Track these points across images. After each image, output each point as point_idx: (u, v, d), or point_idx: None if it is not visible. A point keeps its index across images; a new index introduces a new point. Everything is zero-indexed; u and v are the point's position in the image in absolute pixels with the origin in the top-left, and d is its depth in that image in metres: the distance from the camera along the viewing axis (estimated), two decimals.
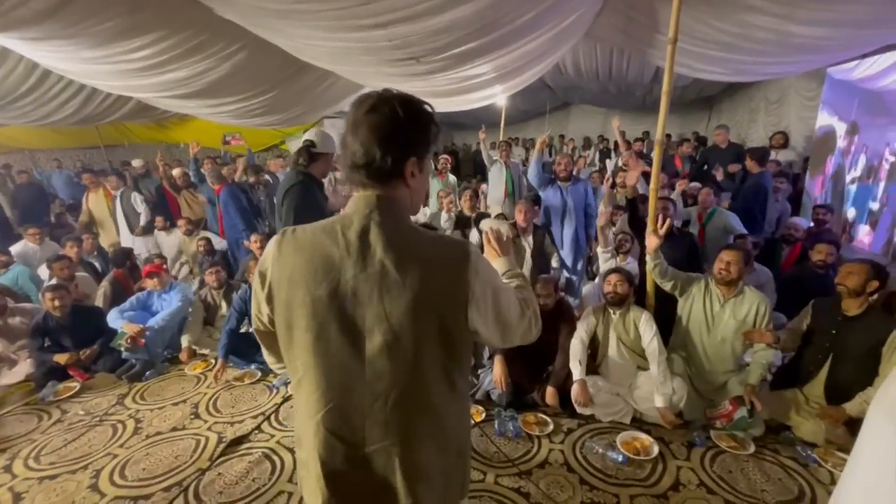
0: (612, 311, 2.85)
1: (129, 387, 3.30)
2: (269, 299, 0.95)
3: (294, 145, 9.46)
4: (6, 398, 3.19)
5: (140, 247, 5.29)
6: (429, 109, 0.95)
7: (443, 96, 5.35)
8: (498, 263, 1.18)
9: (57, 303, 3.33)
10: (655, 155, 2.59)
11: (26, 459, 2.54)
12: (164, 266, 4.03)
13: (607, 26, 4.85)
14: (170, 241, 5.26)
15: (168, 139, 8.91)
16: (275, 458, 2.50)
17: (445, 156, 6.42)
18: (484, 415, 2.78)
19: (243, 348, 3.44)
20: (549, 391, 2.79)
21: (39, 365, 3.31)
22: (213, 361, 3.45)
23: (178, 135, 8.58)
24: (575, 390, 2.68)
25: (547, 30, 4.14)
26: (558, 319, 3.03)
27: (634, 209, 3.31)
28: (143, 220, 5.45)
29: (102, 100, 5.66)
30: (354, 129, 0.89)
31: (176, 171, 5.80)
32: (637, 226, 3.28)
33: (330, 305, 0.88)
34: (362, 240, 0.89)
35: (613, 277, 2.81)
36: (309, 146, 2.30)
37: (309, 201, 2.22)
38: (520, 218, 3.90)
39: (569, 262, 4.13)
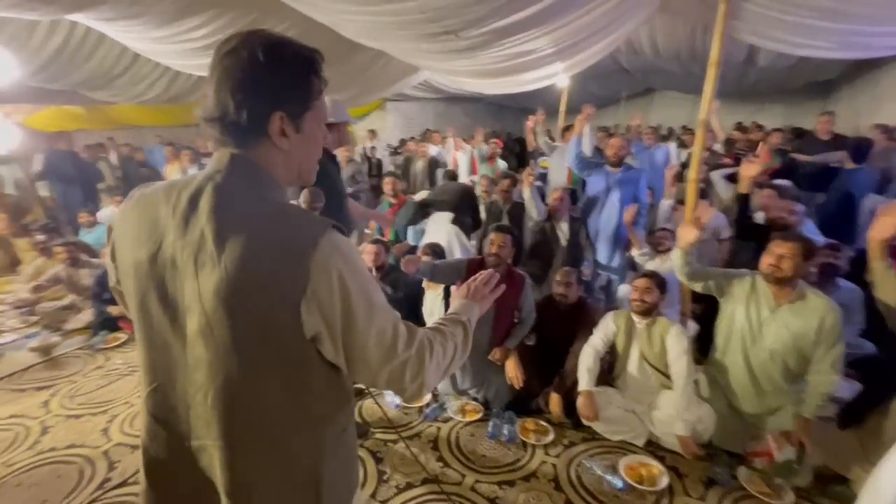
0: (636, 320, 2.49)
1: None
2: (112, 256, 0.86)
3: (359, 127, 9.71)
4: (67, 341, 3.61)
5: None
6: (308, 55, 0.78)
7: (492, 76, 5.09)
8: (456, 302, 1.05)
9: None
10: (697, 137, 2.19)
11: (63, 398, 2.85)
12: None
13: None
14: None
15: None
16: None
17: (495, 139, 6.15)
18: (480, 414, 2.60)
19: None
20: (553, 397, 2.53)
21: (97, 315, 3.70)
22: None
23: None
24: (580, 402, 2.39)
25: (602, 2, 3.72)
26: (576, 319, 2.75)
27: (744, 208, 2.83)
28: None
29: (186, 79, 6.15)
30: (210, 75, 0.75)
31: None
32: (743, 229, 2.86)
33: (150, 272, 0.77)
34: (192, 202, 0.75)
35: (642, 283, 2.44)
36: None
37: (319, 176, 2.16)
38: (555, 201, 3.63)
39: (604, 259, 3.74)
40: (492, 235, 2.60)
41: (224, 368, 0.75)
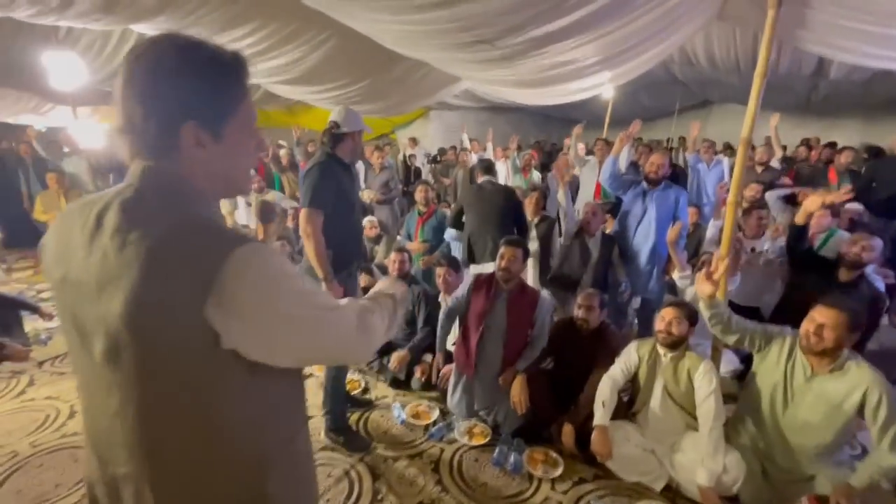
0: (662, 352, 2.29)
1: None
2: (47, 274, 0.82)
3: (403, 135, 9.84)
4: None
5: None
6: (226, 59, 0.73)
7: (533, 86, 4.97)
8: (381, 283, 1.11)
9: None
10: (739, 156, 1.97)
11: None
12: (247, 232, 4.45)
13: (745, 3, 3.97)
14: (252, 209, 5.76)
15: (298, 123, 9.95)
16: None
17: (531, 150, 6.00)
18: (488, 439, 2.48)
19: None
20: (566, 428, 2.37)
21: None
22: None
23: (304, 120, 9.51)
24: (593, 437, 2.22)
25: (653, 6, 3.52)
26: (597, 346, 2.57)
27: (800, 236, 2.60)
28: None
29: None
30: (119, 83, 0.71)
31: (283, 152, 6.39)
32: (800, 261, 2.61)
33: (63, 294, 0.74)
34: (98, 220, 0.71)
35: (669, 312, 2.24)
36: (332, 127, 2.23)
37: (327, 183, 2.14)
38: (587, 214, 3.45)
39: (639, 281, 3.50)
40: (502, 249, 2.49)
41: (136, 393, 0.71)
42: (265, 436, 0.79)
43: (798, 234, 2.52)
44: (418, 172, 7.55)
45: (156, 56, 0.69)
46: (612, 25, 3.64)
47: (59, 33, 4.73)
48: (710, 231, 4.03)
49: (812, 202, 2.28)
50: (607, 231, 3.76)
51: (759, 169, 5.31)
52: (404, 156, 7.81)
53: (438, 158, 7.97)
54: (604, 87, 5.34)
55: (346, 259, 2.29)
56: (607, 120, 5.86)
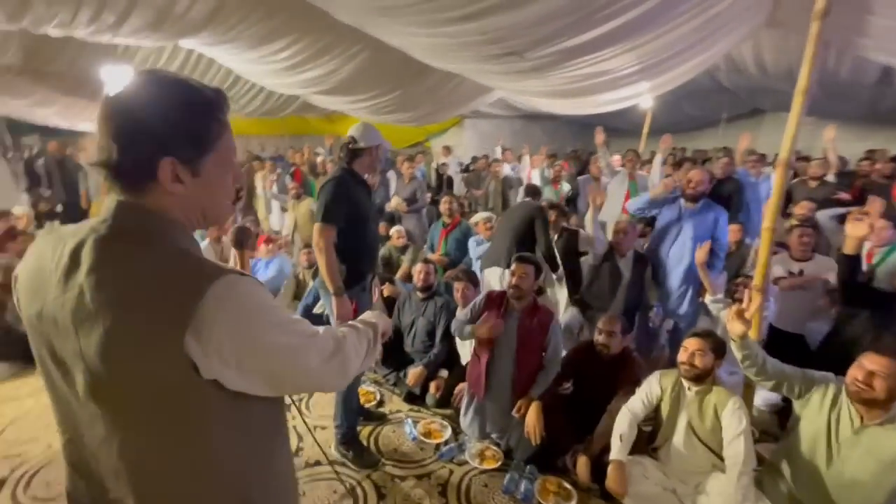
0: (686, 385, 2.14)
1: None
2: (17, 303, 0.83)
3: (437, 143, 9.90)
4: None
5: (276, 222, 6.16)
6: (203, 98, 0.74)
7: (567, 97, 4.85)
8: (368, 313, 1.13)
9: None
10: (777, 180, 1.81)
11: None
12: (277, 238, 4.58)
13: (797, 9, 3.72)
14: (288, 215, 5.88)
15: (336, 131, 10.22)
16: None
17: (561, 162, 5.85)
18: (499, 463, 2.40)
19: (314, 324, 3.67)
20: (581, 459, 2.25)
21: None
22: None
23: (342, 128, 9.75)
24: (609, 473, 2.08)
25: (692, 15, 3.36)
26: (618, 373, 2.44)
27: (853, 269, 2.30)
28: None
29: (278, 97, 6.73)
30: (98, 120, 0.72)
31: (320, 159, 6.56)
32: (852, 293, 2.37)
33: (39, 330, 0.75)
34: (73, 256, 0.72)
35: (693, 343, 2.08)
36: (349, 142, 2.25)
37: (341, 199, 2.15)
38: (618, 234, 3.30)
39: (672, 304, 3.31)
40: (513, 266, 2.40)
41: (120, 424, 0.73)
42: (246, 457, 0.81)
43: (849, 267, 2.28)
44: (450, 182, 7.54)
45: (134, 94, 0.71)
46: (649, 35, 3.50)
47: (118, 49, 5.06)
48: (755, 251, 3.77)
49: (855, 228, 2.06)
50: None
51: (812, 184, 4.94)
52: (437, 165, 7.83)
53: (470, 168, 7.94)
54: (642, 97, 5.13)
55: (360, 274, 2.29)
56: (645, 130, 5.64)
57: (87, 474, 0.79)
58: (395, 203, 5.05)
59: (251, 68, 4.96)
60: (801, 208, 4.12)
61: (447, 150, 8.37)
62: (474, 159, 8.10)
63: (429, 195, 5.68)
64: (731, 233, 4.25)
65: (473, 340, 2.56)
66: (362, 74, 4.75)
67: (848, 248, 2.16)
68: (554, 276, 3.55)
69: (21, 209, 5.37)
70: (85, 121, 7.86)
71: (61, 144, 7.63)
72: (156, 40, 3.96)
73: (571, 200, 5.47)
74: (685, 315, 3.34)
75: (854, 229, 2.07)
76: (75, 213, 6.93)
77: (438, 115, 6.65)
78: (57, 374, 0.75)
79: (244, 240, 0.96)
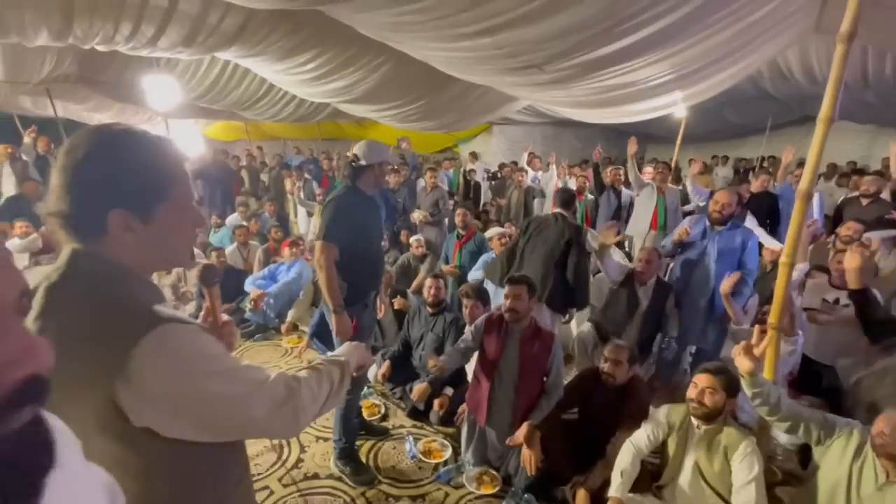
0: (696, 423, 2.02)
1: (238, 343, 3.97)
2: None
3: (466, 149, 9.87)
4: None
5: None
6: (154, 150, 0.77)
7: (594, 107, 4.71)
8: (342, 347, 1.13)
9: (220, 259, 4.25)
10: (795, 211, 1.67)
11: None
12: (301, 243, 4.69)
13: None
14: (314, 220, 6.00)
15: (367, 136, 10.40)
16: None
17: (585, 173, 5.68)
18: (497, 489, 2.35)
19: (327, 335, 3.72)
20: (580, 493, 2.16)
21: (198, 308, 4.28)
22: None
23: (374, 133, 9.91)
24: None
25: (729, 23, 3.19)
26: (624, 402, 2.34)
27: (864, 303, 2.11)
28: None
29: (308, 104, 6.91)
30: (53, 172, 0.76)
31: None
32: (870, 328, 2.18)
33: None
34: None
35: (703, 380, 1.95)
36: (352, 160, 2.26)
37: (343, 217, 2.17)
38: (643, 263, 3.15)
39: (693, 333, 3.13)
40: (506, 289, 2.33)
41: None
42: (202, 491, 0.83)
43: (861, 302, 2.07)
44: (477, 188, 7.50)
45: (85, 148, 0.74)
46: (681, 44, 3.34)
47: (161, 61, 5.34)
48: (794, 274, 3.51)
49: (850, 259, 1.87)
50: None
51: (864, 202, 4.55)
52: (464, 171, 7.81)
53: (499, 175, 7.86)
54: (676, 106, 4.91)
55: (362, 292, 2.30)
56: (679, 139, 5.39)
57: None
58: (417, 216, 5.07)
59: (281, 78, 5.11)
60: (846, 229, 3.80)
61: (473, 156, 8.33)
62: (502, 166, 8.01)
63: (451, 202, 5.66)
64: (768, 252, 4.01)
65: (475, 362, 2.52)
66: (387, 84, 4.80)
67: (851, 282, 1.98)
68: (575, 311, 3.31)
69: None
70: (136, 124, 8.52)
71: None
72: (189, 55, 4.15)
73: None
74: (709, 342, 3.16)
75: (849, 261, 1.89)
76: None
77: (465, 122, 6.63)
78: None
79: (210, 277, 0.97)
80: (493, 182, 7.57)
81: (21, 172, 5.61)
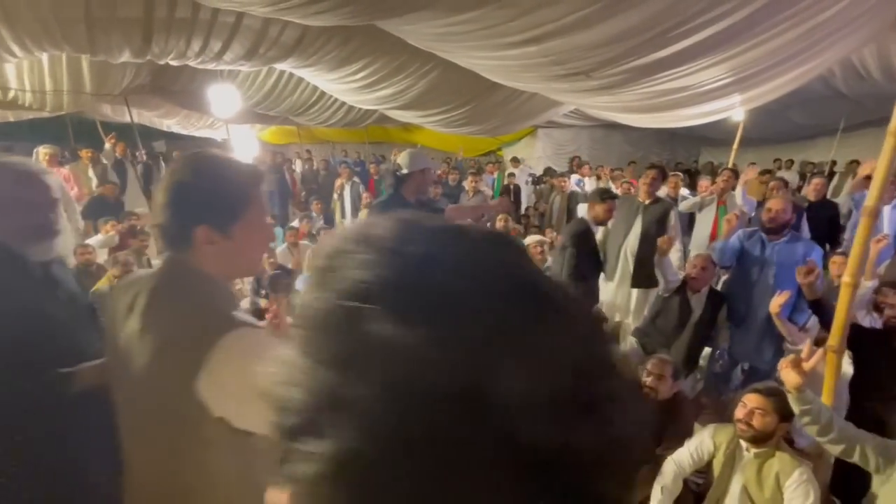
0: (745, 446, 1.94)
1: None
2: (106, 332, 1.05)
3: (510, 152, 9.82)
4: None
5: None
6: (237, 175, 0.90)
7: (644, 112, 4.58)
8: None
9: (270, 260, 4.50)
10: (861, 228, 1.58)
11: None
12: None
13: None
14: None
15: (412, 140, 10.60)
16: None
17: (630, 179, 5.50)
18: None
19: None
20: None
21: (251, 304, 4.55)
22: None
23: (419, 137, 10.09)
24: None
25: (793, 24, 3.02)
26: (667, 419, 2.28)
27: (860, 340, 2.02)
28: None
29: (357, 111, 7.17)
30: (157, 192, 0.91)
31: None
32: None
33: (115, 369, 0.94)
34: (132, 302, 0.90)
35: (753, 399, 1.86)
36: (395, 169, 2.36)
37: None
38: (696, 270, 3.01)
39: (749, 350, 2.97)
40: None
41: (137, 438, 0.90)
42: (240, 486, 0.91)
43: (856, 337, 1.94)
44: (518, 193, 7.45)
45: (182, 172, 0.89)
46: (740, 47, 3.20)
47: (224, 71, 5.73)
48: (861, 290, 3.26)
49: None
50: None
51: None
52: (508, 174, 7.80)
53: (544, 179, 7.78)
54: (734, 110, 4.69)
55: None
56: (735, 146, 5.14)
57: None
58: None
59: (333, 86, 5.35)
60: None
61: (515, 161, 8.28)
62: (547, 171, 7.93)
63: None
64: (834, 266, 3.71)
65: None
66: (434, 91, 4.90)
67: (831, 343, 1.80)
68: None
69: (143, 209, 6.26)
70: (200, 129, 9.22)
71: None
72: (250, 67, 4.44)
73: None
74: (766, 360, 3.00)
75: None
76: None
77: (511, 126, 6.64)
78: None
79: (279, 287, 1.07)
80: (536, 186, 7.49)
81: (101, 175, 6.19)
